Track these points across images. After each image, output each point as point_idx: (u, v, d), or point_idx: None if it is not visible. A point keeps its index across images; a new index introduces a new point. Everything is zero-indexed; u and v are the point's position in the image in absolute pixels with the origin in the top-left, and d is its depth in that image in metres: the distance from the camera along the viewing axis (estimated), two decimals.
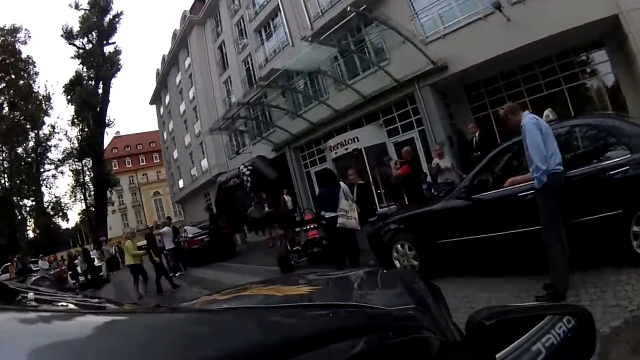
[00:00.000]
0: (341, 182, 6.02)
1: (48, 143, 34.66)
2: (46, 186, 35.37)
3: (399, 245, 5.28)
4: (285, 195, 13.97)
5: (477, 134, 8.82)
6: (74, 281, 15.36)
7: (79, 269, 15.79)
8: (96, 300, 1.27)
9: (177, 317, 0.88)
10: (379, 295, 1.44)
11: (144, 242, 11.22)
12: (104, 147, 35.11)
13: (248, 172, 15.80)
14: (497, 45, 10.05)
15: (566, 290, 3.43)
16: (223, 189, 19.09)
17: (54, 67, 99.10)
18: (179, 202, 35.86)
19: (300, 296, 1.41)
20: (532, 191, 3.66)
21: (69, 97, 31.95)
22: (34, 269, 17.07)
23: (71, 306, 0.93)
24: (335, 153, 14.41)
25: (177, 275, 11.52)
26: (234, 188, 16.35)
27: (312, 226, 8.01)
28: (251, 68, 20.54)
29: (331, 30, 11.76)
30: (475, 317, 0.80)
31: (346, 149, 14.07)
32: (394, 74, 12.18)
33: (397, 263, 5.32)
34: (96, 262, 16.98)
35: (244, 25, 21.02)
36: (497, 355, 0.78)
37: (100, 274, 16.75)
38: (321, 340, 0.66)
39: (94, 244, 29.63)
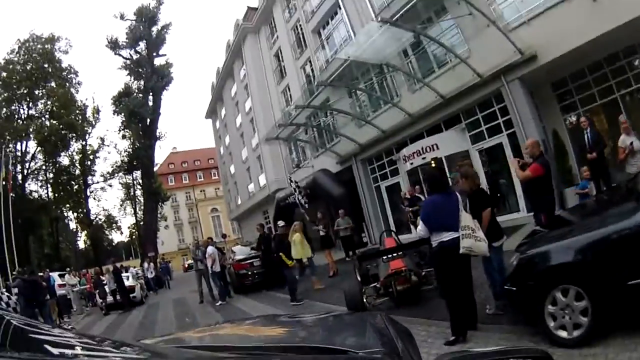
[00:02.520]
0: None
1: (96, 155, 34.42)
2: (94, 198, 35.20)
3: (559, 293, 3.27)
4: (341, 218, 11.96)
5: (587, 130, 7.55)
6: (102, 301, 14.46)
7: (106, 287, 14.55)
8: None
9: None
10: (347, 338, 1.43)
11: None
12: (155, 161, 34.49)
13: (301, 189, 14.03)
14: (584, 30, 8.41)
15: None
16: (282, 206, 17.52)
17: (105, 81, 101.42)
18: (236, 219, 34.83)
19: (272, 338, 1.55)
20: None
21: (117, 108, 31.65)
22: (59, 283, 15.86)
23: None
24: (411, 164, 12.53)
25: (218, 304, 10.47)
26: (294, 205, 14.63)
27: (394, 255, 6.09)
28: (311, 73, 19.08)
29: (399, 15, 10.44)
30: None
31: (423, 158, 12.18)
32: (476, 67, 10.41)
33: (550, 321, 3.31)
34: (130, 281, 15.55)
35: (301, 28, 19.89)
36: None
37: (133, 295, 14.97)
38: None
39: (141, 260, 28.96)
